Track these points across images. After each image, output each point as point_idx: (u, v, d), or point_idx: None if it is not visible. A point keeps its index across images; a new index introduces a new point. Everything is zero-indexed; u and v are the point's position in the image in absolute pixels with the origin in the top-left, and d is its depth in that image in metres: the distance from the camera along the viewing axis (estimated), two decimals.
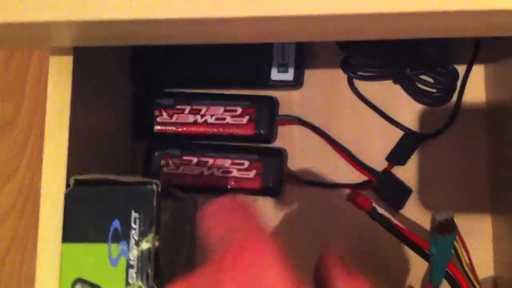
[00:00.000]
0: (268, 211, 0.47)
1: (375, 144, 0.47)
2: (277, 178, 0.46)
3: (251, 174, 0.46)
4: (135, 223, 0.34)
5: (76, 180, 0.34)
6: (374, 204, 0.42)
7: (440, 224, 0.41)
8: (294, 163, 0.48)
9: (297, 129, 0.48)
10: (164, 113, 0.47)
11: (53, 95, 0.36)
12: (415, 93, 0.47)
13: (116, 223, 0.34)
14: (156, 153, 0.47)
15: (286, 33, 0.29)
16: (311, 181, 0.47)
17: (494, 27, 0.28)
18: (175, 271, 0.39)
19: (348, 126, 0.48)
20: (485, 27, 0.28)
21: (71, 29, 0.27)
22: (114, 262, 0.33)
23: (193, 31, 0.27)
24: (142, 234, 0.34)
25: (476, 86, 0.47)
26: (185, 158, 0.47)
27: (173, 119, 0.47)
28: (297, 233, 0.47)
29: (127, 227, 0.34)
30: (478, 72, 0.47)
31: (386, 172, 0.46)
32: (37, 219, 0.35)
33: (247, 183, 0.46)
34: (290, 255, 0.46)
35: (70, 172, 0.36)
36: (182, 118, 0.47)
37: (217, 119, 0.47)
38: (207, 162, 0.46)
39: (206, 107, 0.47)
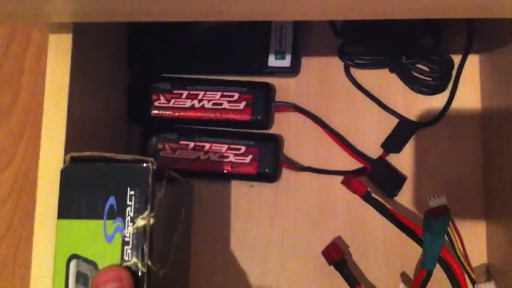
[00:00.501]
0: (264, 197, 0.47)
1: (370, 131, 0.48)
2: (273, 164, 0.47)
3: (247, 159, 0.46)
4: (130, 200, 0.34)
5: (72, 157, 0.35)
6: (368, 188, 0.43)
7: (433, 209, 0.41)
8: (290, 149, 0.48)
9: (293, 116, 0.48)
10: (162, 97, 0.47)
11: (52, 74, 0.37)
12: (411, 82, 0.47)
13: (111, 200, 0.34)
14: (153, 137, 0.47)
15: (284, 10, 0.29)
16: (307, 167, 0.47)
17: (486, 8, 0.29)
18: (170, 251, 0.39)
19: (343, 114, 0.48)
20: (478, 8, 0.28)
21: (70, 2, 0.27)
22: (109, 239, 0.34)
23: (192, 7, 0.28)
24: (138, 211, 0.34)
25: (471, 75, 0.47)
26: (182, 142, 0.47)
27: (170, 104, 0.47)
28: (292, 218, 0.47)
29: (122, 204, 0.34)
30: (473, 62, 0.48)
31: (381, 160, 0.47)
32: (32, 208, 0.36)
33: (243, 168, 0.46)
34: (286, 240, 0.46)
35: (67, 153, 0.36)
36: (179, 102, 0.47)
37: (214, 104, 0.47)
38: (203, 146, 0.47)
39: (203, 92, 0.47)
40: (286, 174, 0.47)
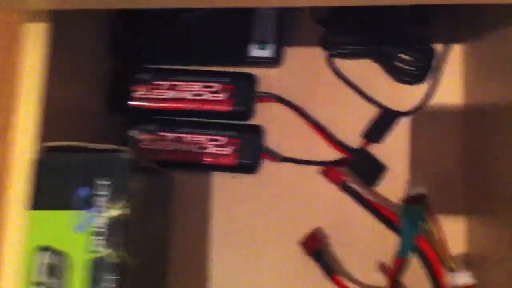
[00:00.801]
0: (245, 187, 0.47)
1: (353, 122, 0.48)
2: (255, 155, 0.47)
3: (229, 150, 0.46)
4: (105, 190, 0.34)
5: (47, 147, 0.34)
6: (345, 178, 0.42)
7: (412, 196, 0.41)
8: (272, 140, 0.48)
9: (275, 106, 0.48)
10: (142, 88, 0.47)
11: (27, 63, 0.36)
12: (393, 71, 0.47)
13: (85, 190, 0.34)
14: (133, 128, 0.47)
15: None
16: (288, 158, 0.47)
17: None
18: (147, 242, 0.39)
19: (327, 104, 0.48)
20: None
21: None
22: (81, 229, 0.33)
23: None
24: (112, 202, 0.34)
25: (453, 65, 0.47)
26: (161, 133, 0.47)
27: (151, 95, 0.47)
28: (273, 208, 0.47)
29: (97, 194, 0.34)
30: (456, 52, 0.47)
31: (362, 150, 0.47)
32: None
33: (225, 159, 0.46)
34: (266, 231, 0.46)
35: (43, 143, 0.35)
36: (160, 93, 0.47)
37: (195, 95, 0.47)
38: (184, 138, 0.47)
39: (185, 83, 0.47)
40: (267, 165, 0.47)
